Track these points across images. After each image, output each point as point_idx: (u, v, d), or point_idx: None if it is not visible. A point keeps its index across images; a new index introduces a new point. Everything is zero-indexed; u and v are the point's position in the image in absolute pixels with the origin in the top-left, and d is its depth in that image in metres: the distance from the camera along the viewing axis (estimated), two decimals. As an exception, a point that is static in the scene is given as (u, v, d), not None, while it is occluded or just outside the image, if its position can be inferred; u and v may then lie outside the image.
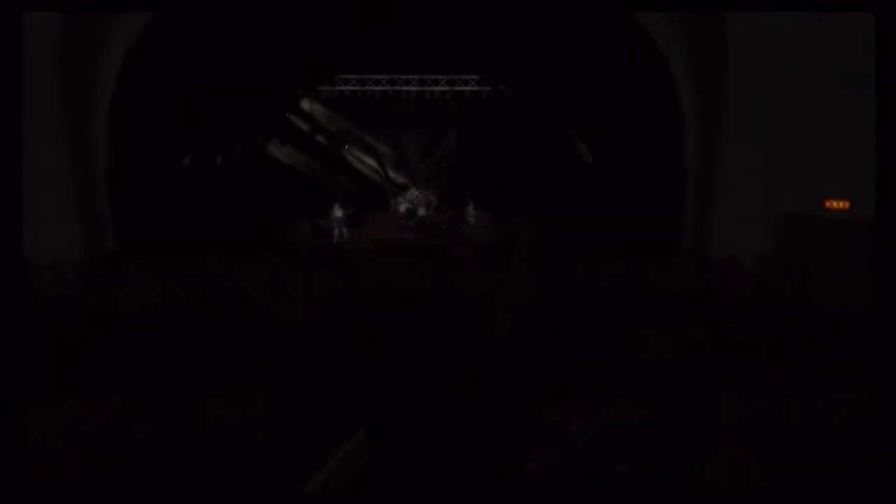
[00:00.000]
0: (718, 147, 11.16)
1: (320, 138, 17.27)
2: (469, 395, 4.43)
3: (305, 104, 16.79)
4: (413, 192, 17.36)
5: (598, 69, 12.62)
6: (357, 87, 16.14)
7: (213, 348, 5.44)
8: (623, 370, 5.39)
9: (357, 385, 5.40)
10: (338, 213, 14.62)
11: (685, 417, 4.25)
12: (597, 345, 5.93)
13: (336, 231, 14.58)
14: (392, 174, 18.05)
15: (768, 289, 8.97)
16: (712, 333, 6.08)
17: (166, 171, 12.24)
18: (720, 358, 5.72)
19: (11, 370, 2.71)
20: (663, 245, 11.91)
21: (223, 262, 9.97)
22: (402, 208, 16.73)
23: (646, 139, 12.44)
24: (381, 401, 5.25)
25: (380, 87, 16.13)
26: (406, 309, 7.57)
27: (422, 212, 16.17)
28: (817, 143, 8.62)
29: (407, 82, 15.98)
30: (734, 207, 10.67)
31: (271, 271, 9.30)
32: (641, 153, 12.64)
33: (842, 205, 8.56)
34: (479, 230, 15.12)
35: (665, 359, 5.55)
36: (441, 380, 5.31)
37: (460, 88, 16.17)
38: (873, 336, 5.34)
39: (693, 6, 10.18)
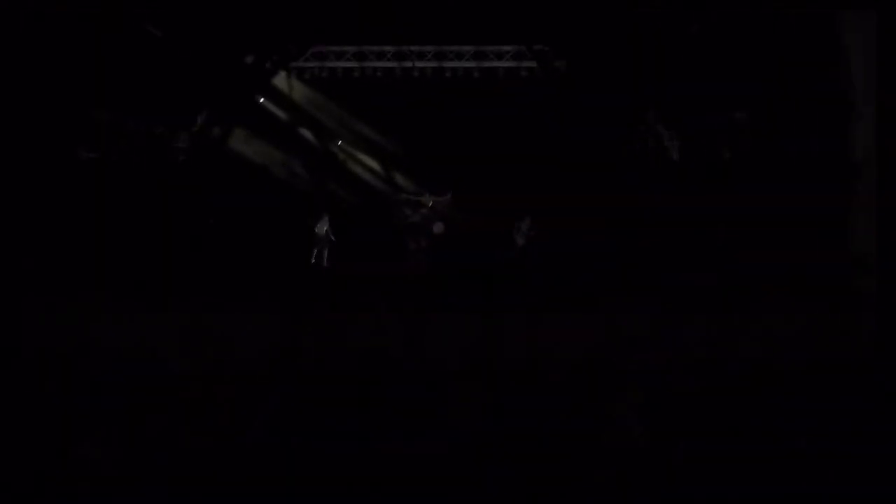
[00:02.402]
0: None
1: (304, 131, 14.90)
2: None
3: (282, 83, 14.27)
4: (427, 201, 14.82)
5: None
6: (354, 63, 13.89)
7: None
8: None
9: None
10: (324, 228, 12.92)
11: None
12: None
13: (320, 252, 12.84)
14: (399, 178, 15.26)
15: None
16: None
17: (53, 166, 9.26)
18: None
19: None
20: (824, 280, 8.55)
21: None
22: (412, 223, 14.54)
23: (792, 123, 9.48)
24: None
25: (384, 63, 13.90)
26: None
27: (438, 228, 13.98)
28: None
29: (420, 56, 13.77)
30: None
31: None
32: (780, 143, 9.65)
33: None
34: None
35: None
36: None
37: (491, 64, 13.78)
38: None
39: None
